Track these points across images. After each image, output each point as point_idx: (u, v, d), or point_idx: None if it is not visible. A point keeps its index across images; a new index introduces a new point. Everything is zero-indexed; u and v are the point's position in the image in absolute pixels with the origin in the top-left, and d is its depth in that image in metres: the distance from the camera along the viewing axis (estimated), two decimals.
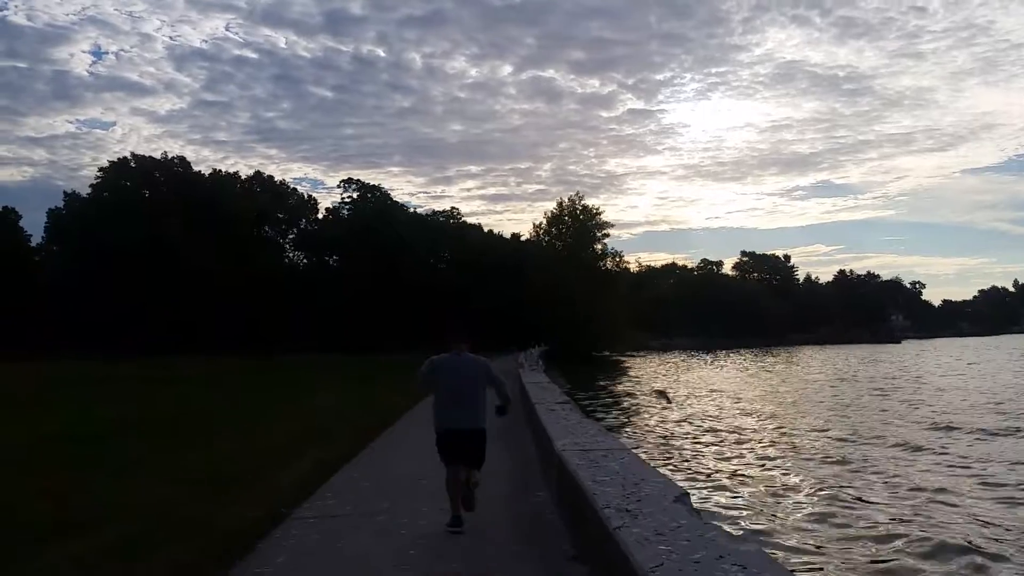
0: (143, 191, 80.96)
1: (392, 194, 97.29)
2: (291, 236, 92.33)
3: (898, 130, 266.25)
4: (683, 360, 78.19)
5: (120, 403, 21.30)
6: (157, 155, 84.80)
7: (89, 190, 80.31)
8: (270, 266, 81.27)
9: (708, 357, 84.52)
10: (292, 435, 13.44)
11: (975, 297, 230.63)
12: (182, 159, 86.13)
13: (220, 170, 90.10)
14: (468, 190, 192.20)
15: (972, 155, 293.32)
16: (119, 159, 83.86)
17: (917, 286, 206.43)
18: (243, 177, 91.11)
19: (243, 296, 73.83)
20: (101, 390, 26.65)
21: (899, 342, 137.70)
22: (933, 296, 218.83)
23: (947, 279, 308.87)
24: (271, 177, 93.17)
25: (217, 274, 72.54)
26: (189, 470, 9.82)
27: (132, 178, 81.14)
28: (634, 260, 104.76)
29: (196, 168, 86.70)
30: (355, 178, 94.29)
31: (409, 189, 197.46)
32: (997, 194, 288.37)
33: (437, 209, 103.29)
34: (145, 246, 70.05)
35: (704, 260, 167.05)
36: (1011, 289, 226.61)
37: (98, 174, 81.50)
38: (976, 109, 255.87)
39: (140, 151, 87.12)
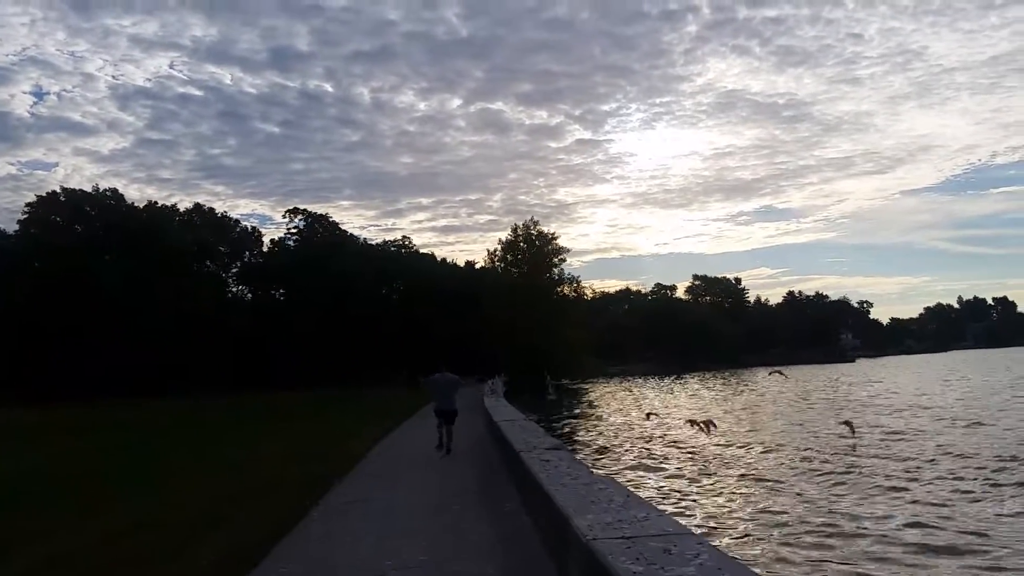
0: (75, 226, 76.54)
1: (342, 227, 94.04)
2: (234, 270, 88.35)
3: (838, 154, 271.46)
4: (642, 387, 76.13)
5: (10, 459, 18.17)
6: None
7: (17, 227, 75.74)
8: (212, 300, 77.15)
9: (669, 382, 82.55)
10: (214, 497, 10.64)
11: (921, 315, 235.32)
12: (115, 191, 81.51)
13: (157, 202, 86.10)
14: (419, 222, 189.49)
15: (910, 177, 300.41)
16: (48, 193, 79.09)
17: (865, 305, 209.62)
18: (182, 210, 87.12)
19: (181, 333, 69.69)
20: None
21: (853, 361, 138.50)
22: (879, 315, 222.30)
23: (890, 298, 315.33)
24: (212, 209, 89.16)
25: (153, 310, 68.38)
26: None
27: (62, 213, 76.69)
28: (588, 287, 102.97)
29: (133, 202, 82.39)
30: (301, 208, 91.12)
31: (360, 222, 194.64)
32: (935, 214, 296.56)
33: (389, 240, 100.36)
34: (74, 282, 65.78)
35: (658, 284, 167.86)
36: (956, 306, 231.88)
37: (25, 209, 76.95)
38: (913, 132, 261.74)
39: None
